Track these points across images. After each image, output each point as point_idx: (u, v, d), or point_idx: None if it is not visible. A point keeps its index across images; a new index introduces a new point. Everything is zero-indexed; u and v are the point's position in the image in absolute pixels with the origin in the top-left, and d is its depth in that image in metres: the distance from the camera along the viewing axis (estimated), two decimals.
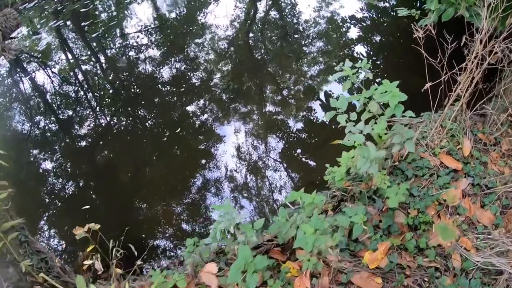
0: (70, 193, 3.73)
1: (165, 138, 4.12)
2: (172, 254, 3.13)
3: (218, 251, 2.28)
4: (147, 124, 4.44)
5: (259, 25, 6.18)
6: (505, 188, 2.41)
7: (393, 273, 2.06)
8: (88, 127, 4.42)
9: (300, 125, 4.14)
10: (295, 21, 6.17)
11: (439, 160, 2.56)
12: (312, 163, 3.73)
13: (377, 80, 4.22)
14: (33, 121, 4.68)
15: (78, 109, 4.76)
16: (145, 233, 3.23)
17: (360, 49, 5.06)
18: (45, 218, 3.50)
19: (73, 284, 2.49)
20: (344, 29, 5.60)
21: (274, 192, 3.58)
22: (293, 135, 4.06)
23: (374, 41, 5.29)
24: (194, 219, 3.39)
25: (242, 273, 1.92)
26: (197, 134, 4.15)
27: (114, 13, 6.80)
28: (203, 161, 3.86)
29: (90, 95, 5.06)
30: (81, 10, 6.59)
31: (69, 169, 3.98)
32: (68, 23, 6.55)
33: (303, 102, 4.51)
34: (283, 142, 3.99)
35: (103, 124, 4.52)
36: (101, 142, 4.27)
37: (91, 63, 5.64)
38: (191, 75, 5.15)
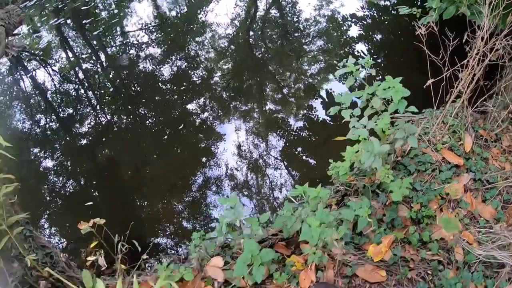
0: (72, 190, 3.74)
1: (165, 136, 4.14)
2: (173, 251, 3.14)
3: (223, 245, 2.29)
4: (148, 122, 4.45)
5: (260, 24, 6.20)
6: (506, 183, 2.45)
7: (397, 266, 2.08)
8: (89, 125, 4.43)
9: (300, 123, 4.16)
10: (295, 19, 6.20)
11: (441, 155, 2.59)
12: (312, 161, 3.75)
13: (377, 79, 4.25)
14: (34, 119, 4.68)
15: (79, 107, 4.77)
16: (148, 230, 3.25)
17: (361, 47, 5.08)
18: (46, 215, 3.50)
19: (78, 279, 2.50)
20: (344, 28, 5.63)
21: (275, 190, 3.60)
22: (293, 133, 4.09)
23: (375, 39, 5.32)
24: (197, 217, 3.40)
25: (248, 266, 1.94)
26: (198, 132, 4.17)
27: (115, 11, 6.80)
28: (204, 159, 3.88)
29: (90, 93, 5.07)
30: (82, 8, 6.59)
31: (70, 167, 3.99)
32: (69, 21, 6.54)
33: (303, 100, 4.53)
34: (284, 140, 4.02)
35: (104, 122, 4.53)
36: (103, 139, 4.27)
37: (92, 61, 5.64)
38: (192, 73, 5.17)
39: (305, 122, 4.17)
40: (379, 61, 4.86)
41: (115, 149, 4.14)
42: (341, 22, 5.75)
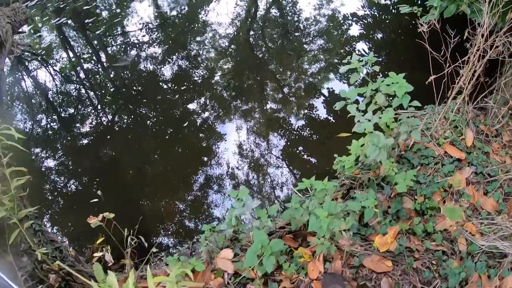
0: (77, 187, 3.76)
1: (167, 136, 4.17)
2: (178, 248, 3.17)
3: (232, 238, 2.33)
4: (149, 121, 4.48)
5: (260, 23, 6.25)
6: (507, 177, 2.51)
7: (402, 256, 2.14)
8: (91, 125, 4.45)
9: (301, 122, 4.21)
10: (296, 18, 6.25)
11: (443, 149, 2.65)
12: (313, 160, 3.80)
13: (379, 77, 4.30)
14: (35, 119, 4.69)
15: (80, 106, 4.79)
16: (154, 227, 3.28)
17: (362, 46, 5.14)
18: (52, 212, 3.52)
19: (87, 273, 2.52)
20: (345, 27, 5.69)
21: (277, 188, 3.65)
22: (295, 132, 4.13)
23: (375, 38, 5.38)
24: (200, 215, 3.43)
25: (258, 257, 1.98)
26: (200, 131, 4.20)
27: (117, 11, 6.83)
28: (205, 159, 3.91)
29: (92, 93, 5.09)
30: (84, 8, 6.61)
31: (72, 165, 4.01)
32: (70, 21, 6.56)
33: (304, 99, 4.58)
34: (285, 138, 4.06)
35: (105, 122, 4.56)
36: (108, 137, 4.30)
37: (93, 60, 5.66)
38: (193, 72, 5.21)
39: (306, 121, 4.21)
40: (380, 59, 4.92)
41: (120, 147, 4.16)
42: (342, 21, 5.81)
